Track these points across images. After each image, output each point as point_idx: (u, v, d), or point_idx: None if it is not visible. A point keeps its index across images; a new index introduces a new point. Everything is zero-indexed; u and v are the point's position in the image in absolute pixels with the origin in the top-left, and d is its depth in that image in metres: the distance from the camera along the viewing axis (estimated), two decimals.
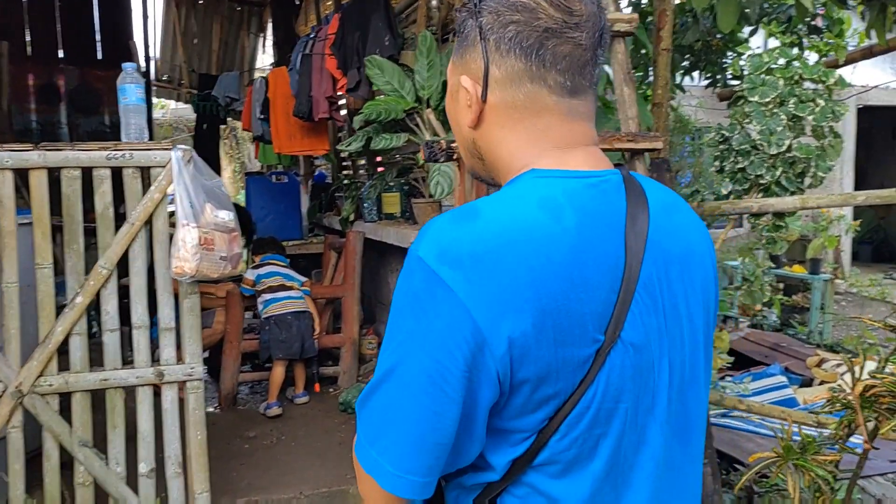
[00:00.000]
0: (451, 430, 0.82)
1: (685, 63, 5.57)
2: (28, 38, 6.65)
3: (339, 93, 4.19)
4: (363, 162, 5.40)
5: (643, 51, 4.07)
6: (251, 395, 4.40)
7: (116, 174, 2.44)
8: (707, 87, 5.65)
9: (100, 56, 6.91)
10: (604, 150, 2.43)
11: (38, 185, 2.38)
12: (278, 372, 4.01)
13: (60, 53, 6.79)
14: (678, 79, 5.59)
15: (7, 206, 2.36)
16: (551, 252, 0.80)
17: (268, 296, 4.10)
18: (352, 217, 4.91)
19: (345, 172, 5.95)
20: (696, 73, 5.51)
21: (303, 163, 7.32)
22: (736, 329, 6.24)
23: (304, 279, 4.31)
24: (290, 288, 4.17)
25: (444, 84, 3.31)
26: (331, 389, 4.33)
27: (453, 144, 2.28)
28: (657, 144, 2.47)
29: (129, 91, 2.45)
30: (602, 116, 2.83)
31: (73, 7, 6.82)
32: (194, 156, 2.51)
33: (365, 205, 4.56)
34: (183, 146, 2.51)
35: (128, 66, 2.48)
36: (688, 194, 3.24)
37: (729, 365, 4.83)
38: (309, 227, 6.19)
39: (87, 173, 2.43)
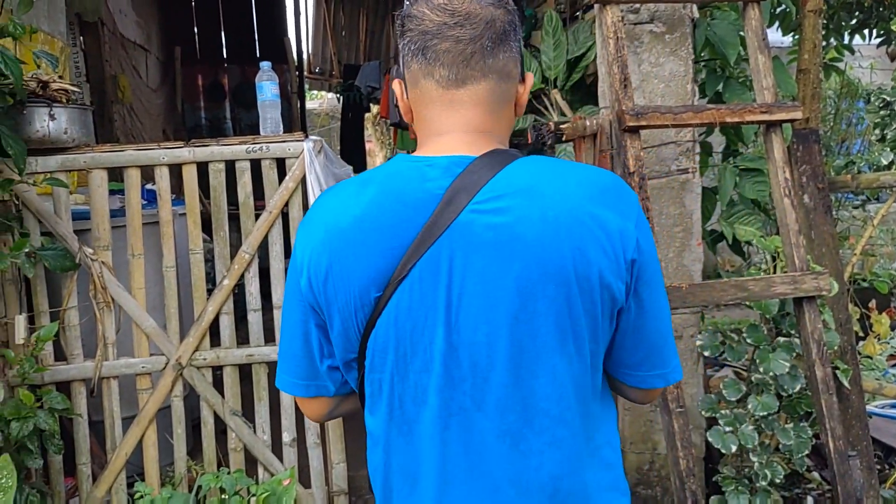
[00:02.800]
0: (309, 345, 1.10)
1: (854, 22, 5.11)
2: (197, 42, 7.31)
3: None
4: None
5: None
6: None
7: (256, 165, 2.63)
8: (879, 46, 5.14)
9: (258, 54, 7.42)
10: (735, 123, 2.32)
11: (190, 178, 2.62)
12: None
13: (224, 54, 7.40)
14: (846, 39, 5.13)
15: (164, 198, 2.62)
16: (339, 220, 1.02)
17: None
18: None
19: None
20: (867, 32, 5.05)
21: None
22: None
23: None
24: None
25: (569, 63, 3.24)
26: None
27: (563, 126, 2.24)
28: (795, 115, 2.29)
29: (265, 88, 2.62)
30: (738, 88, 2.66)
31: (234, 10, 7.38)
32: (324, 146, 2.65)
33: None
34: (314, 137, 2.65)
35: (264, 64, 2.65)
36: (841, 165, 2.97)
37: None
38: None
39: (231, 166, 2.64)
